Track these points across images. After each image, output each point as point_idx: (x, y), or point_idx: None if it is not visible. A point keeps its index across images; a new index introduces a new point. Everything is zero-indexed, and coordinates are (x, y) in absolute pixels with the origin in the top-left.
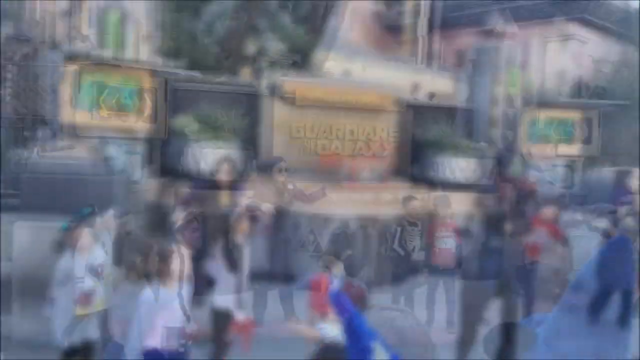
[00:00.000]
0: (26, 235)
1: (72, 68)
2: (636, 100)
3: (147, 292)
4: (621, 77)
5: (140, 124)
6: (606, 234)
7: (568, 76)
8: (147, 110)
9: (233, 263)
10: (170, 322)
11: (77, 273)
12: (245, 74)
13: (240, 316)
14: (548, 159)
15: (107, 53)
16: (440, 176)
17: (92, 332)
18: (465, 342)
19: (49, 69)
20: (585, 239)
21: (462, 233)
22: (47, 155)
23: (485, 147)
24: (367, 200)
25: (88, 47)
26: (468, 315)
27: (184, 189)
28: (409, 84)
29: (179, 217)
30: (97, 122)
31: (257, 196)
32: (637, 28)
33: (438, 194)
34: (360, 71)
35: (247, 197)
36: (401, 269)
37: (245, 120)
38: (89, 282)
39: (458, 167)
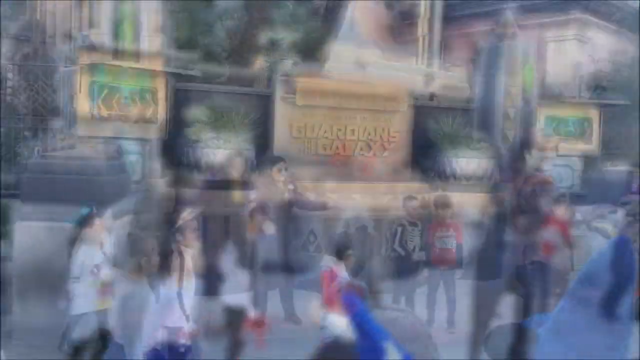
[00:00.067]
0: (26, 235)
1: (75, 67)
2: (636, 100)
3: (147, 292)
4: (622, 76)
5: (142, 124)
6: (606, 235)
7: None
8: (149, 109)
9: (246, 260)
10: (170, 322)
11: (93, 263)
12: (259, 63)
13: (254, 313)
14: (549, 158)
15: (122, 44)
16: (450, 173)
17: (107, 323)
18: (477, 342)
19: (50, 68)
20: (585, 239)
21: (476, 227)
22: (47, 155)
23: (495, 144)
24: (379, 198)
25: (88, 47)
26: (480, 313)
27: (187, 188)
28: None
29: (180, 216)
30: (97, 122)
31: (258, 195)
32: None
33: (438, 193)
34: (373, 62)
35: (255, 195)
36: (401, 269)
37: (250, 118)
38: (106, 272)
39: (468, 164)
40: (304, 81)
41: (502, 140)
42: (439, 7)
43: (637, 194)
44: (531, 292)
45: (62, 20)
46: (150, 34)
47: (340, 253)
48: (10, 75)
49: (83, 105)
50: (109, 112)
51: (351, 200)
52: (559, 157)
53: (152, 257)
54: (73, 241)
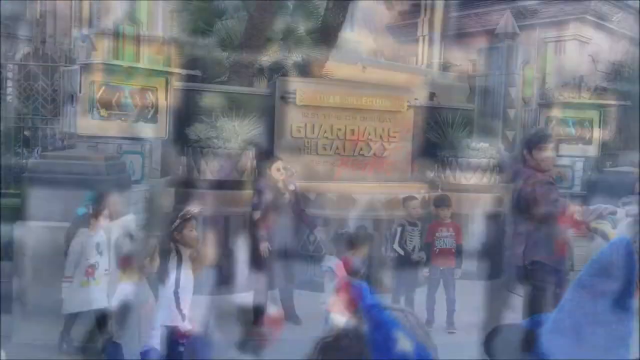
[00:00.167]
0: (26, 235)
1: (74, 66)
2: (636, 100)
3: (147, 292)
4: (622, 76)
5: (142, 124)
6: (606, 236)
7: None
8: (149, 110)
9: (258, 258)
10: (168, 321)
11: (89, 262)
12: (274, 52)
13: (272, 310)
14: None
15: (122, 44)
16: (450, 173)
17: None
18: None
19: (51, 68)
20: (585, 239)
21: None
22: (48, 154)
23: (499, 147)
24: (385, 200)
25: (88, 47)
26: (492, 310)
27: (187, 188)
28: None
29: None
30: (97, 122)
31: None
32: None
33: (438, 194)
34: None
35: (255, 195)
36: (401, 269)
37: (250, 118)
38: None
39: (468, 164)
40: (304, 81)
41: (502, 140)
42: (439, 7)
43: (638, 194)
44: (531, 292)
45: (62, 20)
46: (151, 33)
47: (352, 244)
48: (10, 75)
49: (83, 105)
50: (109, 112)
51: (351, 200)
52: (559, 157)
53: (152, 257)
54: (69, 240)
